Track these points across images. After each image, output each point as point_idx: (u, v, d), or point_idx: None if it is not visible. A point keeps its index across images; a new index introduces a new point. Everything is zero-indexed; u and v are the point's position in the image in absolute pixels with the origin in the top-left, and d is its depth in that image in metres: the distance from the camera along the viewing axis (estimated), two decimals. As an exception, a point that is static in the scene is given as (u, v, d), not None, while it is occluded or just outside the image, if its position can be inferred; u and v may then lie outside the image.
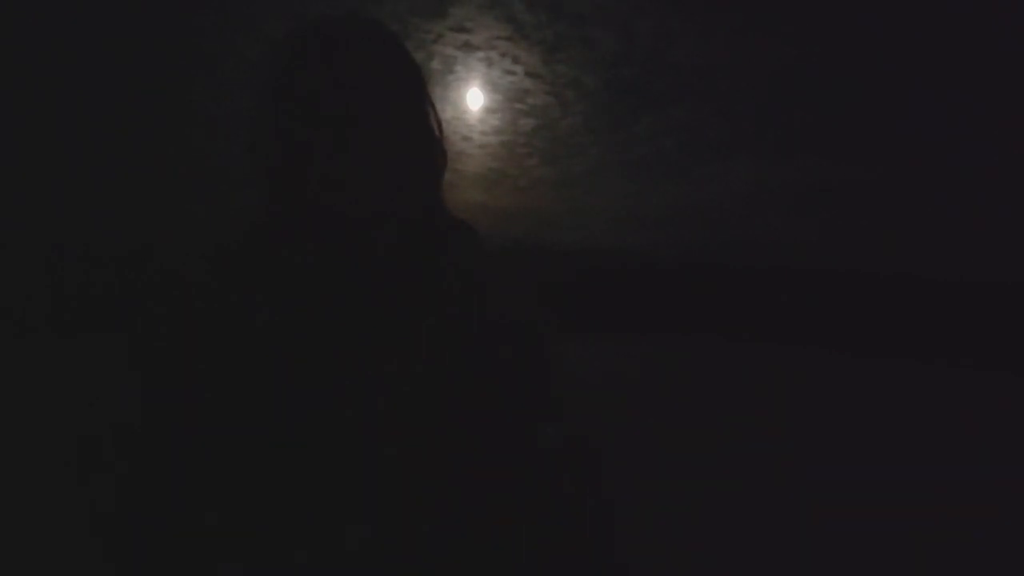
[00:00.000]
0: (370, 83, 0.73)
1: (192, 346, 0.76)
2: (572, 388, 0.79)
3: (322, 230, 0.72)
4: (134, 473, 0.74)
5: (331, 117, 0.71)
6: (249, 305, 0.74)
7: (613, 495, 0.78)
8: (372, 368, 0.72)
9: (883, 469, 5.07)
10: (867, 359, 11.71)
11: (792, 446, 5.66)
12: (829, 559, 3.44)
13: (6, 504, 3.47)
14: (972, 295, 15.71)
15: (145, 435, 0.75)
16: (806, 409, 7.27)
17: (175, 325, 0.79)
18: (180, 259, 0.84)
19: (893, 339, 13.29)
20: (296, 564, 0.69)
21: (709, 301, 16.80)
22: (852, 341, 13.36)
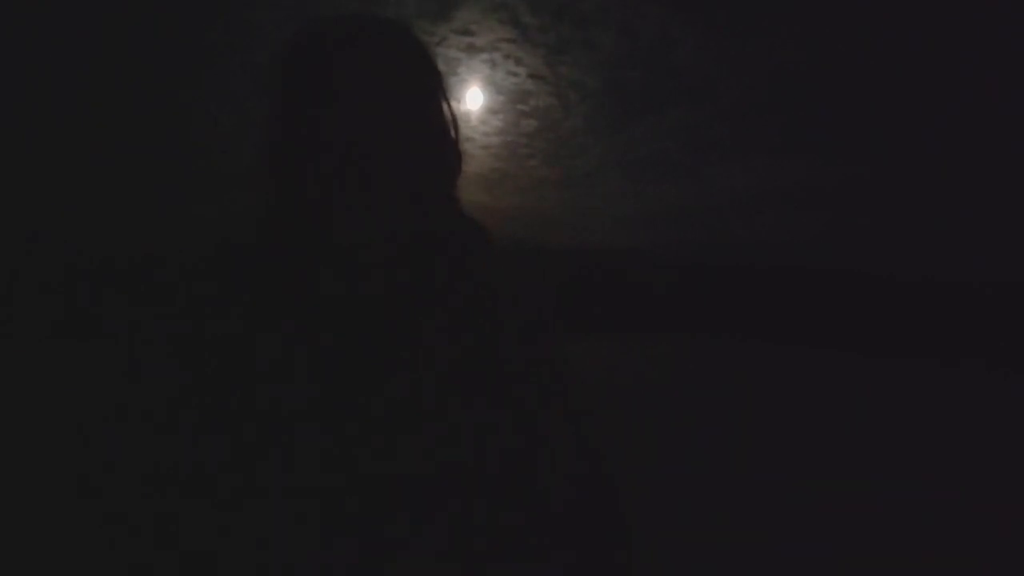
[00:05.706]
0: (384, 74, 0.72)
1: (193, 346, 0.76)
2: (577, 387, 0.79)
3: (327, 228, 0.72)
4: (135, 472, 0.74)
5: (343, 106, 0.70)
6: (251, 305, 0.74)
7: (617, 492, 0.78)
8: (377, 366, 0.72)
9: (883, 469, 5.07)
10: (867, 359, 11.71)
11: (792, 446, 5.66)
12: (829, 559, 3.44)
13: (6, 504, 3.47)
14: (972, 295, 15.70)
15: (145, 434, 0.75)
16: (806, 409, 7.27)
17: (176, 325, 0.79)
18: (182, 259, 0.83)
19: (893, 339, 13.29)
20: (293, 563, 0.69)
21: (709, 301, 16.80)
22: (852, 341, 13.35)
